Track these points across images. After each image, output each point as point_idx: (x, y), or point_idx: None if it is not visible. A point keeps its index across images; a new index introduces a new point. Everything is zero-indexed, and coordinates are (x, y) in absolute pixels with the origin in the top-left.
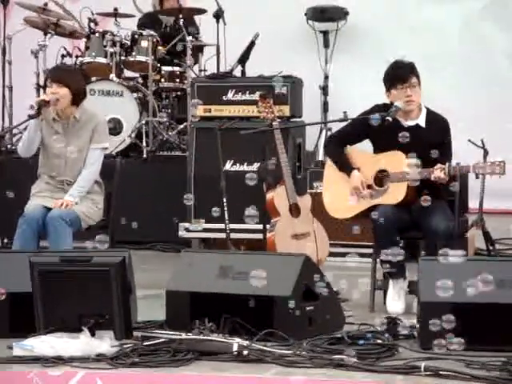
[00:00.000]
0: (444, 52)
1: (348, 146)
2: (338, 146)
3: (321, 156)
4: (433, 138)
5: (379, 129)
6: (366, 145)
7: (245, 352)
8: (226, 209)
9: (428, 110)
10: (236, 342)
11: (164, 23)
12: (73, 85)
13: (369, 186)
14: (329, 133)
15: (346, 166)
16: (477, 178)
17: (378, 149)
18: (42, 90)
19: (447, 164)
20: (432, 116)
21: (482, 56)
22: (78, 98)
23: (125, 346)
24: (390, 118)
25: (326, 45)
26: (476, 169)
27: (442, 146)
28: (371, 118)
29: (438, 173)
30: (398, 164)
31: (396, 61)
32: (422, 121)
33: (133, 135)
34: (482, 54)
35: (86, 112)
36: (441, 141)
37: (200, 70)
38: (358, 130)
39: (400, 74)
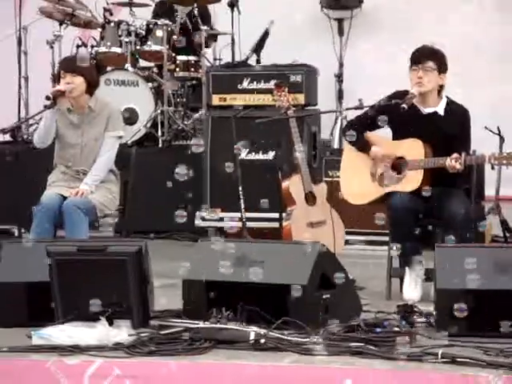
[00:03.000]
0: (459, 38)
1: (367, 132)
2: (356, 129)
3: (336, 144)
4: (450, 128)
5: (397, 115)
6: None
7: (262, 340)
8: (241, 198)
9: (449, 99)
10: (253, 331)
11: (179, 12)
12: (87, 74)
13: (386, 173)
14: (344, 121)
15: (364, 146)
16: (492, 168)
17: (396, 135)
18: (57, 81)
19: (463, 154)
20: (452, 106)
21: (500, 41)
22: (92, 86)
23: (142, 334)
24: (405, 106)
25: (341, 33)
26: (492, 159)
27: (460, 135)
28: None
29: (453, 163)
30: (416, 152)
31: (424, 44)
32: (440, 109)
33: (148, 125)
34: (500, 38)
35: (100, 101)
36: (459, 131)
37: (215, 59)
38: (376, 116)
39: (416, 56)
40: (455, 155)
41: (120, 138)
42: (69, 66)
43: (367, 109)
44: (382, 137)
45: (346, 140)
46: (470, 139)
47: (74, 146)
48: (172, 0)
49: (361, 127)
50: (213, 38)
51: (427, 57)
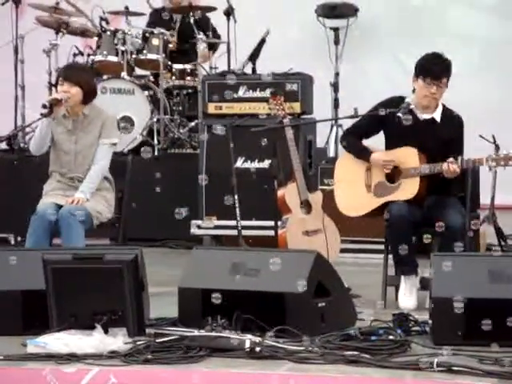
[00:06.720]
0: (454, 48)
1: (363, 141)
2: (354, 137)
3: (332, 153)
4: (446, 134)
5: (393, 121)
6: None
7: (257, 349)
8: (237, 206)
9: (444, 106)
10: (248, 339)
11: (173, 20)
12: (85, 84)
13: (381, 183)
14: (339, 129)
15: (363, 152)
16: (490, 170)
17: (391, 141)
18: (54, 89)
19: (459, 157)
20: (447, 112)
21: (494, 51)
22: (88, 96)
23: (138, 342)
24: (400, 115)
25: (337, 42)
26: (489, 161)
27: (454, 142)
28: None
29: (451, 166)
30: (410, 159)
31: (438, 54)
32: (437, 116)
33: (144, 133)
34: (494, 48)
35: (94, 108)
36: (453, 137)
37: (211, 68)
38: (372, 122)
39: (434, 71)
40: (451, 159)
41: (114, 145)
42: (68, 74)
43: (361, 117)
44: (375, 148)
45: (343, 148)
46: (463, 146)
47: (68, 153)
48: (168, 8)
49: (357, 135)
50: (213, 46)
51: (445, 73)
